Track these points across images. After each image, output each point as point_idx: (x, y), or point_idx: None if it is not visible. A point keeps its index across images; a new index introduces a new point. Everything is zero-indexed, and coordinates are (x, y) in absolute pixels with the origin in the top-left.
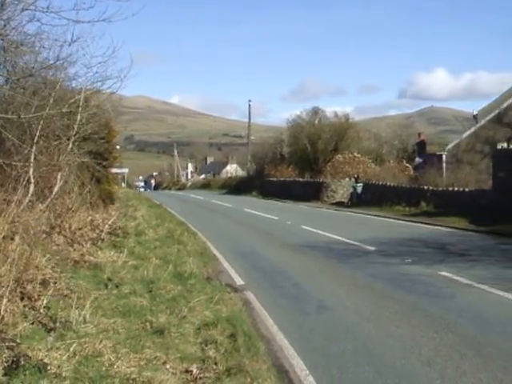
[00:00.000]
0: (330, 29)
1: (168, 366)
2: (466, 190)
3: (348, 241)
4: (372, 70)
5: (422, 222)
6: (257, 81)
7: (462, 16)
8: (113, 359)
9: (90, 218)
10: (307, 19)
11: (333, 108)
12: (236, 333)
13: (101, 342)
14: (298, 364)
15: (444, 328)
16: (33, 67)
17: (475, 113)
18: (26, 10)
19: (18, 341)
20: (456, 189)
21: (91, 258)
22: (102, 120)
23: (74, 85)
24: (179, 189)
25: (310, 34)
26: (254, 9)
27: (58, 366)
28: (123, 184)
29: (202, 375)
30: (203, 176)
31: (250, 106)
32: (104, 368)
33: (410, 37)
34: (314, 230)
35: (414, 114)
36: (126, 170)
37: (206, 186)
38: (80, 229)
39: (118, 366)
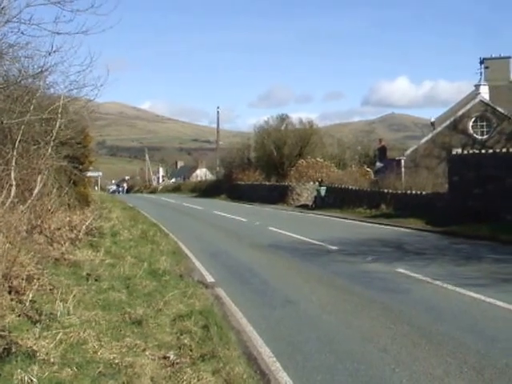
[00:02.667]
0: (298, 37)
1: (147, 353)
2: (424, 193)
3: (312, 241)
4: (337, 77)
5: (381, 224)
6: (226, 87)
7: (423, 26)
8: (96, 347)
9: (68, 218)
10: (276, 28)
11: (299, 114)
12: (209, 324)
13: (84, 331)
14: (265, 352)
15: (400, 319)
16: (18, 76)
17: (433, 120)
18: (10, 22)
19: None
20: (414, 192)
21: (70, 257)
22: (78, 126)
23: (52, 91)
24: (151, 192)
25: (278, 41)
26: (224, 17)
27: (47, 353)
28: (96, 188)
29: (178, 360)
30: (174, 180)
31: (218, 112)
32: (89, 354)
33: (374, 46)
34: (281, 231)
35: (375, 121)
36: (99, 174)
37: (176, 189)
38: (59, 229)
39: (101, 353)
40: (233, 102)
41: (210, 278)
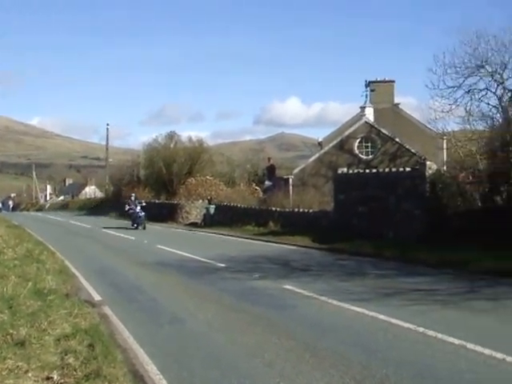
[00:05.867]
0: (191, 55)
1: (30, 374)
2: (311, 211)
3: (200, 258)
4: (230, 96)
5: (269, 241)
6: (118, 105)
7: (318, 46)
8: None
9: None
10: (169, 44)
11: (191, 132)
12: (94, 343)
13: None
14: (152, 369)
15: (285, 335)
16: None
17: (320, 140)
18: None
19: None
20: (301, 210)
21: None
22: None
23: None
24: (38, 210)
25: (171, 59)
26: (114, 35)
27: None
28: None
29: (62, 381)
30: (62, 197)
31: (108, 129)
32: None
33: (268, 66)
34: (169, 249)
35: (265, 140)
36: None
37: (64, 207)
38: None
39: None
40: (125, 120)
41: (97, 297)
